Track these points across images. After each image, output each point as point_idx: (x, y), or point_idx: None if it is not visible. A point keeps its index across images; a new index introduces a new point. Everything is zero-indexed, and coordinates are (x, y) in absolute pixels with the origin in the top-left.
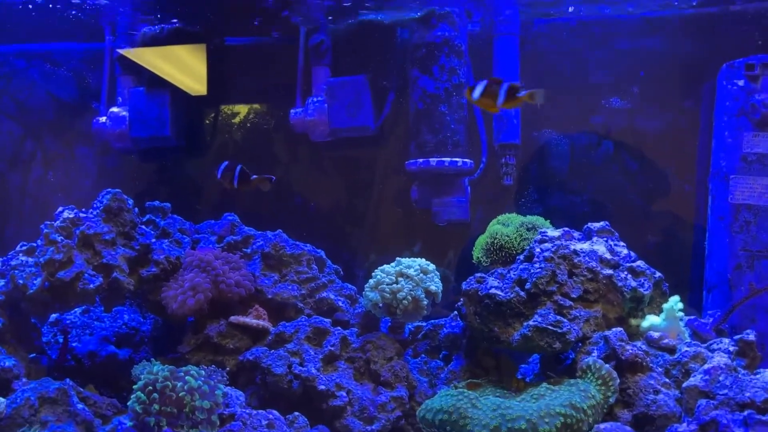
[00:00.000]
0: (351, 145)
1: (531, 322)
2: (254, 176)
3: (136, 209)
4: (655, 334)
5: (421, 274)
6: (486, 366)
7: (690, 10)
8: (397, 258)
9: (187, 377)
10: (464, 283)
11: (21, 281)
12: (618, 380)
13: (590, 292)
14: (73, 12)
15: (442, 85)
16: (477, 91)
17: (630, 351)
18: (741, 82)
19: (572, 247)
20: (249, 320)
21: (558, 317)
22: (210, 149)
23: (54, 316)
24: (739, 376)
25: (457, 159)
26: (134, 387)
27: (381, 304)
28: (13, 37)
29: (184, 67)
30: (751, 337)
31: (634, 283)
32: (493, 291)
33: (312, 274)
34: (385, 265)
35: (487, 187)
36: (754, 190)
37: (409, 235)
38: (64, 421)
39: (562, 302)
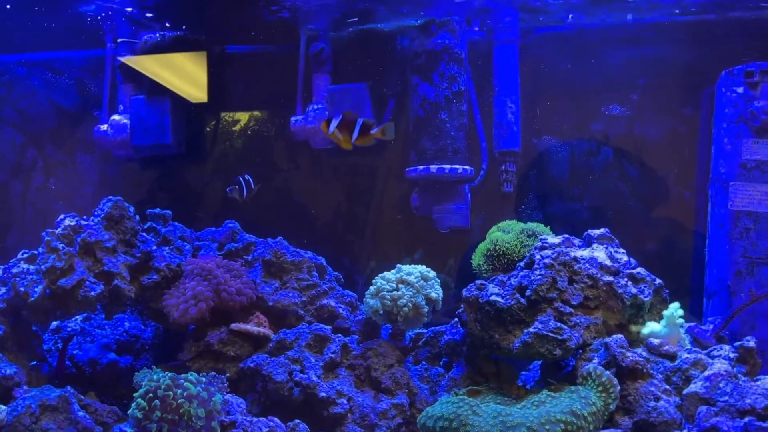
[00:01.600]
0: (351, 152)
1: (531, 329)
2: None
3: (137, 217)
4: (656, 341)
5: (422, 281)
6: (486, 373)
7: (689, 16)
8: (398, 265)
9: (186, 384)
10: (465, 290)
11: (22, 289)
12: (618, 387)
13: (590, 299)
14: (75, 19)
15: (442, 92)
16: (332, 126)
17: (630, 358)
18: (740, 89)
19: (572, 254)
20: (250, 327)
21: (558, 324)
22: (211, 157)
23: (55, 323)
24: (740, 382)
25: (457, 166)
26: (135, 394)
27: (382, 311)
28: (14, 45)
29: (184, 75)
30: (752, 343)
31: (634, 290)
32: (493, 298)
33: (313, 282)
34: (385, 272)
35: (487, 194)
36: (754, 197)
37: (410, 242)
38: (65, 429)
39: (562, 309)
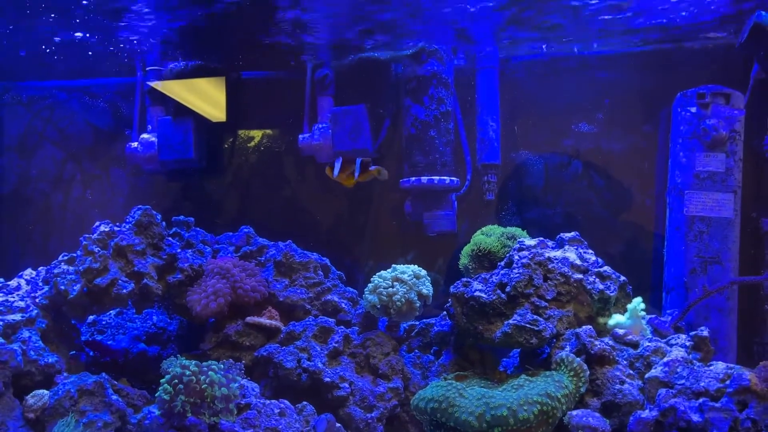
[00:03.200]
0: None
1: (511, 321)
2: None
3: (164, 223)
4: (621, 331)
5: (414, 279)
6: (472, 360)
7: (648, 46)
8: (393, 265)
9: (209, 371)
10: (452, 286)
11: (63, 287)
12: (588, 372)
13: (563, 294)
14: (111, 48)
15: (431, 112)
16: (336, 169)
17: (598, 346)
18: (693, 109)
19: (547, 255)
20: (263, 320)
21: (534, 316)
22: (228, 170)
23: (91, 317)
24: (695, 368)
25: (445, 177)
26: (162, 380)
27: (379, 306)
28: (57, 73)
29: (205, 98)
30: (705, 333)
31: (601, 286)
32: (477, 293)
33: (318, 280)
34: (382, 271)
35: (471, 201)
36: (706, 204)
37: (404, 245)
38: (100, 411)
39: (538, 303)
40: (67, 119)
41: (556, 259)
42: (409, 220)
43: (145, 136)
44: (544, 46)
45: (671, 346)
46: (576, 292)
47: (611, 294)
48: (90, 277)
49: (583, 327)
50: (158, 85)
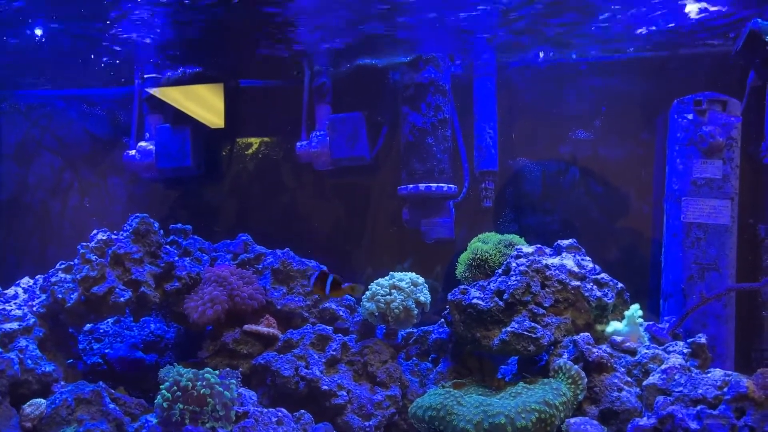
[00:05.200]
0: (349, 173)
1: (509, 329)
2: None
3: (161, 231)
4: (618, 338)
5: (412, 287)
6: (470, 367)
7: (645, 53)
8: (391, 272)
9: (207, 375)
10: (450, 294)
11: (60, 295)
12: (586, 379)
13: (560, 301)
14: (106, 59)
15: (429, 120)
16: (311, 281)
17: (596, 353)
18: (690, 116)
19: (544, 262)
20: (260, 328)
21: (532, 324)
22: (226, 177)
23: (88, 325)
24: (693, 375)
25: (442, 184)
26: (161, 387)
27: (377, 313)
28: (55, 81)
29: (203, 106)
30: (703, 340)
31: (599, 293)
32: (475, 301)
33: None
34: (380, 279)
35: (469, 208)
36: (703, 210)
37: (401, 252)
38: (97, 420)
39: (535, 311)
40: (65, 127)
41: (554, 266)
42: (406, 228)
43: (143, 144)
44: (540, 53)
45: (669, 353)
46: (574, 299)
47: (609, 301)
48: (87, 286)
49: (581, 334)
50: (156, 92)
